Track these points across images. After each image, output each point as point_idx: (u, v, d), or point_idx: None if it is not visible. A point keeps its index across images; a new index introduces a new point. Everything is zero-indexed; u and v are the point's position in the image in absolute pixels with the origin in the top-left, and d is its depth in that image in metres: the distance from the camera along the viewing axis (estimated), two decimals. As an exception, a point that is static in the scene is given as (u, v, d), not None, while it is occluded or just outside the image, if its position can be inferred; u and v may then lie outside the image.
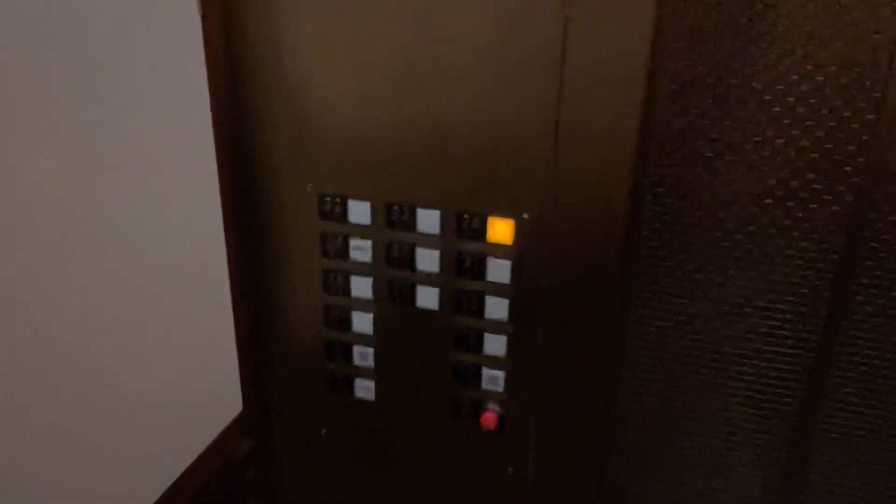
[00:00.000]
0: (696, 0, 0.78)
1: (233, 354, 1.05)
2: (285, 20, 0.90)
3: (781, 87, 0.79)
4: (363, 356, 1.05)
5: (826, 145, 0.80)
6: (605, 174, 0.87)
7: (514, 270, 0.94)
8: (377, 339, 1.03)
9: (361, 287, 1.01)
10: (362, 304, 1.02)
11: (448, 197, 0.93)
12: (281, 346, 1.08)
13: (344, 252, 0.99)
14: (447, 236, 0.95)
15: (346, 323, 1.03)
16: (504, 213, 0.92)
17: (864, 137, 0.79)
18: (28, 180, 0.68)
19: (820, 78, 0.78)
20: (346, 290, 1.01)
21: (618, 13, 0.80)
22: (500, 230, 0.93)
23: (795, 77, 0.78)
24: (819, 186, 0.82)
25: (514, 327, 0.97)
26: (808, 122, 0.79)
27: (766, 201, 0.84)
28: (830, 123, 0.79)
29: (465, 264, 0.95)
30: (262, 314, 1.07)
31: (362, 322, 1.03)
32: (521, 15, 0.82)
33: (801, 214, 0.83)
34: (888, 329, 0.85)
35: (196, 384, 0.99)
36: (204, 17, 0.88)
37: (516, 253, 0.93)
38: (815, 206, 0.83)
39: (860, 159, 0.79)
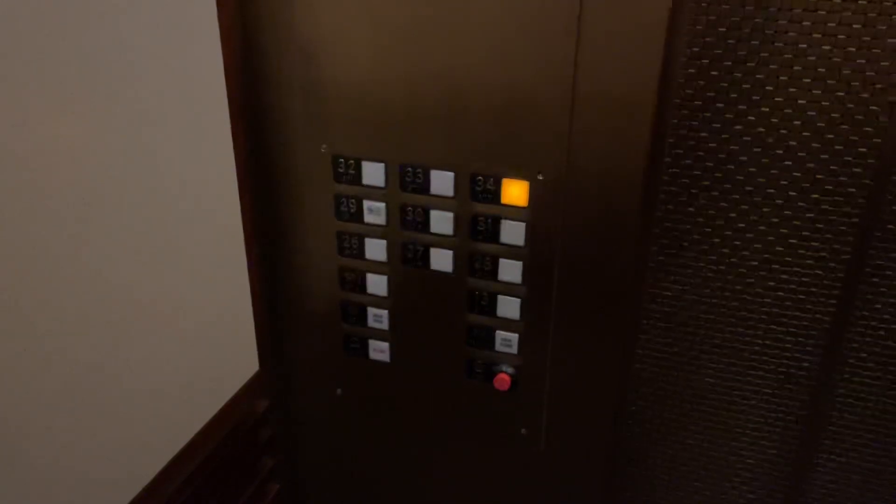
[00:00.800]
0: None
1: (249, 315, 1.06)
2: None
3: (804, 45, 0.77)
4: (378, 318, 1.05)
5: (848, 105, 0.78)
6: (622, 135, 0.85)
7: (528, 232, 0.93)
8: (392, 302, 1.04)
9: (376, 249, 1.01)
10: (377, 267, 1.02)
11: (462, 158, 0.92)
12: (296, 308, 1.09)
13: (358, 214, 0.99)
14: (461, 198, 0.94)
15: (361, 285, 1.04)
16: (519, 174, 0.91)
17: (890, 99, 0.77)
18: (43, 139, 0.69)
19: (842, 36, 0.76)
20: (361, 253, 1.02)
21: None
22: (515, 192, 0.92)
23: (819, 35, 0.76)
24: (840, 147, 0.80)
25: (528, 290, 0.97)
26: (830, 81, 0.78)
27: (786, 163, 0.82)
28: (853, 82, 0.77)
29: (479, 226, 0.95)
30: (277, 276, 1.07)
31: (377, 284, 1.03)
32: None
33: (821, 176, 0.82)
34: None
35: (212, 345, 1.00)
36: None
37: (531, 215, 0.92)
38: (835, 167, 0.81)
39: (882, 119, 0.78)
